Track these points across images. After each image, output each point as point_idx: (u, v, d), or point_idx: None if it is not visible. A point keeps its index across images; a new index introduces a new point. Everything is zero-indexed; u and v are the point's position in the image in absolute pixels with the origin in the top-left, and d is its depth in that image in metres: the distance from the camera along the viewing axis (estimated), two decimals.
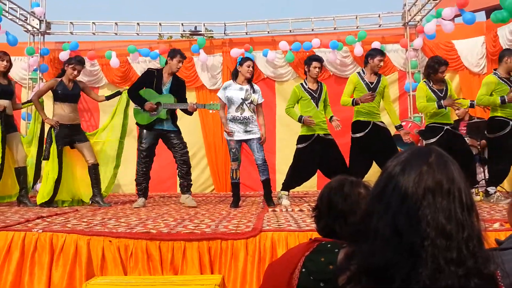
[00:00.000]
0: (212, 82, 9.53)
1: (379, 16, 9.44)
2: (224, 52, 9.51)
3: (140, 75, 9.34)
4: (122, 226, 4.11)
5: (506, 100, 5.70)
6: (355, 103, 5.89)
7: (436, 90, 6.01)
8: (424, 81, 6.15)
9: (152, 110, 5.87)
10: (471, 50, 8.81)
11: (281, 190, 6.12)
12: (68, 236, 3.68)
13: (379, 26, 9.44)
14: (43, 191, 6.14)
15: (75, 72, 6.24)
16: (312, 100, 6.04)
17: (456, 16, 7.93)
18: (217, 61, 9.55)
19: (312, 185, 7.26)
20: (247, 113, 5.77)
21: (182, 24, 9.92)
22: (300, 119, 5.97)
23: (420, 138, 7.61)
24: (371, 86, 6.01)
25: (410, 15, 9.16)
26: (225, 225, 4.11)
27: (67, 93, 6.26)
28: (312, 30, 9.48)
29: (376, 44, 8.96)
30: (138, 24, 9.71)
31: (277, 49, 9.31)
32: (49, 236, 3.69)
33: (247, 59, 6.09)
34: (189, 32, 10.11)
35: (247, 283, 3.52)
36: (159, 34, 10.17)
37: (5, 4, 8.57)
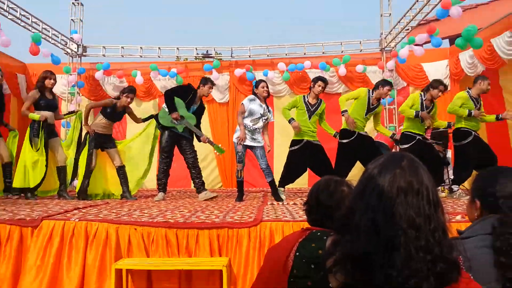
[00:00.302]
0: (220, 97, 9.56)
1: (360, 43, 9.47)
2: (231, 72, 9.54)
3: (159, 90, 9.44)
4: (145, 216, 4.11)
5: (472, 114, 5.75)
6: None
7: (425, 105, 6.01)
8: (420, 94, 6.12)
9: (175, 119, 5.86)
10: (437, 72, 8.82)
11: (278, 187, 6.12)
12: (100, 224, 3.69)
13: (360, 51, 9.45)
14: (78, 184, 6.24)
15: (129, 100, 6.28)
16: (306, 112, 6.03)
17: (425, 42, 7.94)
18: (225, 79, 9.57)
19: (304, 183, 7.26)
20: (258, 126, 5.78)
21: (196, 48, 9.95)
22: (289, 121, 5.99)
23: (394, 144, 7.61)
24: (371, 107, 6.06)
25: (386, 42, 9.18)
26: (231, 216, 4.11)
27: (115, 115, 6.35)
28: (304, 54, 9.49)
29: (359, 68, 9.00)
30: (159, 48, 9.74)
31: (275, 70, 9.34)
32: (84, 224, 3.69)
33: (261, 81, 6.08)
34: (202, 55, 10.10)
35: (250, 265, 3.52)
36: (177, 56, 10.18)
37: (49, 31, 8.60)
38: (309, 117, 6.03)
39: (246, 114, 5.77)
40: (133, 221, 3.75)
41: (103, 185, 6.57)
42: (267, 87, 5.98)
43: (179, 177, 8.43)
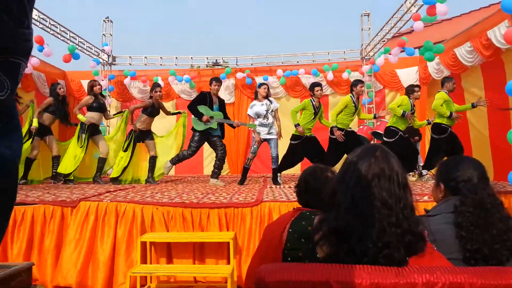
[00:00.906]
0: (227, 98, 9.53)
1: (344, 52, 9.43)
2: (235, 77, 9.52)
3: (177, 92, 9.45)
4: (165, 198, 4.12)
5: (452, 116, 5.78)
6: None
7: (413, 105, 6.04)
8: (408, 96, 6.12)
9: (207, 121, 5.81)
10: (408, 76, 8.78)
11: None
12: (128, 205, 3.70)
13: (344, 59, 9.41)
14: (114, 171, 6.32)
15: (158, 93, 6.29)
16: (313, 114, 6.09)
17: (401, 52, 7.92)
18: (231, 83, 9.56)
19: (297, 169, 7.24)
20: (270, 120, 5.80)
21: (207, 58, 9.92)
22: (296, 125, 6.02)
23: (372, 137, 7.60)
24: (357, 107, 6.10)
25: (366, 51, 9.15)
26: (237, 198, 4.12)
27: (154, 111, 6.38)
28: (297, 62, 9.47)
29: (345, 75, 8.98)
30: (176, 57, 9.71)
31: (273, 75, 9.32)
32: (114, 205, 3.71)
33: (263, 84, 6.10)
34: (212, 63, 10.06)
35: (252, 238, 3.54)
36: (191, 64, 10.15)
37: (84, 44, 8.59)
38: (314, 118, 6.10)
39: (255, 117, 5.81)
40: (155, 202, 3.76)
41: (134, 172, 6.60)
42: (268, 89, 5.95)
43: (193, 165, 8.47)
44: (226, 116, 6.07)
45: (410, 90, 6.12)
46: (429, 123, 6.28)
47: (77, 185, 5.96)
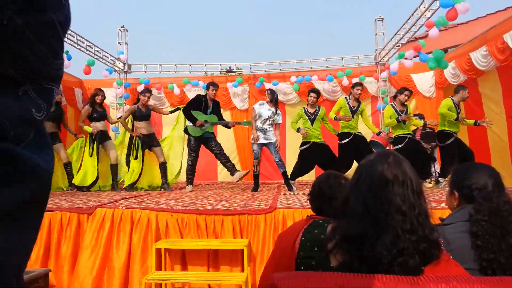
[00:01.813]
0: (241, 105, 9.58)
1: (358, 58, 9.37)
2: (249, 84, 9.54)
3: (190, 98, 9.50)
4: (179, 204, 4.15)
5: (459, 119, 5.72)
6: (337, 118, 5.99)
7: (399, 110, 6.02)
8: (391, 104, 6.15)
9: (201, 126, 5.89)
10: (424, 81, 8.71)
11: (290, 179, 6.11)
12: (143, 211, 3.73)
13: (358, 65, 9.36)
14: (128, 178, 6.40)
15: (146, 98, 6.34)
16: (308, 120, 6.11)
17: (414, 56, 7.85)
18: (245, 90, 9.58)
19: (312, 175, 7.19)
20: (266, 126, 5.80)
21: (220, 65, 9.98)
22: (297, 130, 6.09)
23: (388, 143, 7.53)
24: (353, 110, 6.06)
25: (380, 57, 9.09)
26: (251, 204, 4.12)
27: (143, 115, 6.40)
28: (311, 68, 9.44)
29: (356, 79, 8.92)
30: (190, 65, 9.80)
31: (286, 81, 9.32)
32: (130, 211, 3.74)
33: (267, 89, 6.18)
34: (225, 70, 10.13)
35: (266, 245, 3.52)
36: (205, 72, 10.23)
37: (100, 53, 8.74)
38: (312, 123, 6.10)
39: (256, 117, 5.82)
40: (170, 209, 3.79)
41: (149, 179, 6.69)
42: (270, 93, 5.94)
43: (206, 171, 8.50)
44: (220, 118, 6.13)
45: (396, 94, 6.22)
46: (425, 125, 6.28)
47: (93, 192, 6.05)
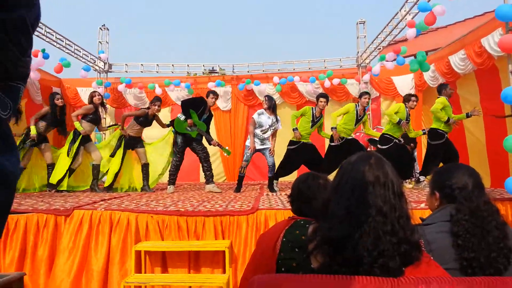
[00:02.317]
0: (224, 105, 9.54)
1: (340, 60, 9.45)
2: (232, 85, 9.51)
3: (173, 99, 9.41)
4: (160, 206, 4.09)
5: (450, 122, 5.75)
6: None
7: (408, 114, 6.06)
8: (405, 104, 6.14)
9: (190, 125, 5.84)
10: (404, 84, 8.82)
11: (273, 179, 6.10)
12: (122, 213, 3.67)
13: (340, 67, 9.44)
14: (107, 179, 6.33)
15: (156, 107, 6.29)
16: (311, 122, 6.08)
17: (394, 59, 7.94)
18: (228, 91, 9.54)
19: (294, 176, 7.21)
20: (267, 135, 5.82)
21: (203, 65, 9.94)
22: (293, 129, 6.04)
23: (369, 144, 7.61)
24: (359, 118, 6.13)
25: (361, 59, 9.18)
26: (233, 205, 4.09)
27: (146, 122, 6.36)
28: (294, 69, 9.47)
29: (337, 80, 8.99)
30: (172, 65, 9.71)
31: (269, 82, 9.32)
32: (109, 213, 3.67)
33: (265, 96, 6.18)
34: (208, 71, 10.08)
35: (248, 246, 3.50)
36: (187, 72, 10.15)
37: (80, 51, 8.58)
38: (311, 126, 6.09)
39: (256, 126, 5.81)
40: (150, 210, 3.73)
41: (129, 179, 6.59)
42: (268, 100, 5.94)
43: (189, 172, 8.43)
44: (208, 131, 6.11)
45: (406, 99, 6.16)
46: (424, 133, 6.30)
47: (72, 193, 5.91)
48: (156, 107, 6.28)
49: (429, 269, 1.06)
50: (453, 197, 1.44)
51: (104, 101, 9.12)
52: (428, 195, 1.60)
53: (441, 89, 6.01)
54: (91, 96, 6.40)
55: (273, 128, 5.86)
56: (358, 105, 6.15)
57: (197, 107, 5.95)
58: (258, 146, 5.81)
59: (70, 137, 6.31)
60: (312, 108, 6.17)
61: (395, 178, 1.09)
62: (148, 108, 6.36)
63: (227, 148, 6.21)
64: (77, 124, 6.18)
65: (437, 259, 1.17)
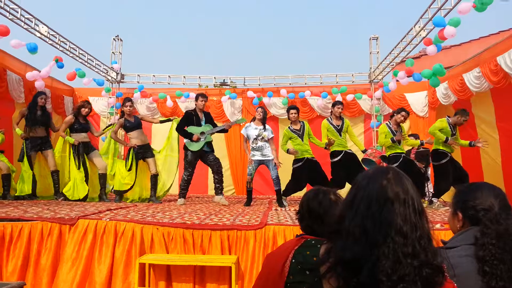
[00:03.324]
0: (234, 118, 9.51)
1: (352, 75, 9.40)
2: (243, 98, 9.48)
3: (182, 110, 9.41)
4: (166, 217, 4.02)
5: (448, 141, 5.67)
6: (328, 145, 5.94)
7: (393, 130, 6.04)
8: (386, 123, 6.12)
9: (198, 139, 5.80)
10: (417, 101, 8.74)
11: (282, 195, 6.01)
12: (127, 224, 3.60)
13: (352, 82, 9.38)
14: (117, 185, 6.32)
15: (127, 108, 6.25)
16: (298, 137, 5.99)
17: (408, 76, 7.86)
18: (239, 103, 9.52)
19: (303, 192, 7.11)
20: (260, 144, 5.82)
21: (214, 78, 9.93)
22: (287, 151, 5.93)
23: (381, 162, 7.46)
24: (338, 128, 6.04)
25: (374, 75, 9.11)
26: (240, 220, 4.00)
27: (132, 125, 6.31)
28: (305, 83, 9.43)
29: (350, 96, 8.91)
30: (184, 76, 9.73)
31: (280, 96, 9.27)
32: (114, 223, 3.61)
33: (258, 107, 6.19)
34: (219, 83, 10.07)
35: (255, 262, 3.41)
36: (198, 84, 10.16)
37: (93, 61, 8.65)
38: (302, 139, 6.00)
39: (247, 140, 5.96)
40: (156, 222, 3.66)
41: (139, 191, 6.53)
42: (262, 111, 5.99)
43: (197, 185, 8.35)
44: (215, 125, 6.11)
45: (393, 114, 6.21)
46: (421, 144, 6.31)
47: (78, 202, 5.87)
48: (128, 107, 6.25)
49: None
50: (477, 219, 1.34)
51: (115, 110, 9.23)
52: (450, 216, 1.50)
53: (457, 114, 5.88)
54: (79, 106, 6.44)
55: (261, 137, 5.83)
56: (331, 118, 6.15)
57: (189, 122, 5.96)
58: (259, 157, 5.80)
59: (71, 150, 6.32)
60: (289, 127, 6.11)
61: (415, 195, 1.01)
62: (122, 113, 6.35)
63: (239, 118, 6.12)
64: (68, 139, 6.23)
65: (462, 286, 1.08)
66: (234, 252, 3.46)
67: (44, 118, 6.33)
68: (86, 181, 6.24)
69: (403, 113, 6.06)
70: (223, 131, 6.11)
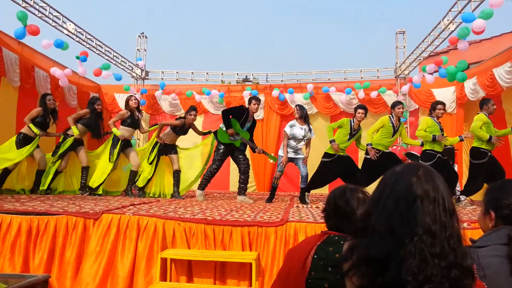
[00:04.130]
0: (256, 114, 9.46)
1: (377, 70, 9.23)
2: (266, 94, 9.44)
3: (206, 107, 9.45)
4: (188, 213, 4.03)
5: (492, 141, 5.39)
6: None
7: (439, 123, 5.72)
8: (432, 117, 5.76)
9: (231, 135, 5.79)
10: (445, 96, 8.46)
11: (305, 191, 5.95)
12: (150, 219, 3.63)
13: (377, 77, 9.20)
14: (140, 180, 6.38)
15: (192, 116, 6.35)
16: (348, 135, 5.89)
17: (435, 71, 7.66)
18: (261, 100, 9.48)
19: (326, 189, 7.02)
20: (300, 145, 5.79)
21: (237, 74, 9.93)
22: (331, 141, 5.81)
23: (407, 159, 7.29)
24: (396, 129, 5.88)
25: (400, 70, 8.92)
26: (261, 216, 3.98)
27: (182, 131, 6.43)
28: (329, 79, 9.31)
29: (374, 92, 8.75)
30: (207, 73, 9.78)
31: (303, 92, 9.19)
32: (137, 218, 3.64)
33: (296, 105, 6.10)
34: (242, 80, 10.07)
35: (276, 259, 3.38)
36: (221, 80, 10.19)
37: (118, 58, 8.78)
38: (349, 139, 5.90)
39: (290, 138, 5.77)
40: (178, 217, 3.67)
41: (160, 186, 6.60)
42: (299, 109, 5.88)
43: (219, 181, 8.38)
44: (251, 139, 6.03)
45: (432, 108, 5.82)
46: (461, 140, 5.91)
47: (103, 197, 5.98)
48: (192, 116, 6.33)
49: None
50: (511, 218, 1.27)
51: (140, 106, 9.35)
52: (481, 215, 1.43)
53: (482, 104, 5.63)
54: (127, 100, 6.52)
55: (307, 138, 5.78)
56: (393, 117, 5.88)
57: (238, 115, 5.90)
58: (291, 155, 5.75)
59: (110, 142, 6.43)
60: (350, 120, 5.97)
61: (446, 193, 0.96)
62: (185, 117, 6.40)
63: (272, 154, 6.14)
64: (115, 130, 6.30)
65: (492, 286, 1.02)
66: (254, 248, 3.44)
67: (100, 124, 6.55)
68: None
69: (440, 105, 5.74)
70: (252, 149, 6.03)
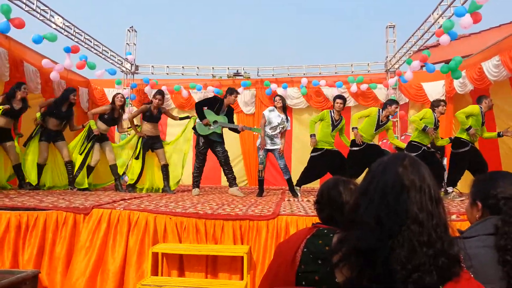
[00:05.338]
0: (247, 109, 9.49)
1: (368, 64, 9.26)
2: (257, 88, 9.44)
3: (196, 100, 9.39)
4: (179, 207, 4.02)
5: (470, 131, 5.50)
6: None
7: (437, 121, 5.79)
8: (433, 110, 5.84)
9: (207, 125, 5.80)
10: (434, 90, 8.55)
11: (295, 186, 5.99)
12: (141, 213, 3.61)
13: (368, 71, 9.23)
14: (130, 178, 6.40)
15: (157, 100, 6.24)
16: (331, 126, 5.94)
17: (422, 66, 7.70)
18: (252, 94, 9.49)
19: (317, 183, 7.05)
20: (275, 132, 5.76)
21: (228, 68, 9.89)
22: (311, 135, 5.89)
23: (397, 152, 7.34)
24: (380, 124, 5.94)
25: (390, 64, 8.96)
26: (253, 210, 3.98)
27: (153, 117, 6.33)
28: (320, 73, 9.32)
29: (365, 85, 8.79)
30: (197, 67, 9.73)
31: (294, 86, 9.21)
32: (127, 213, 3.63)
33: (276, 95, 6.13)
34: (233, 74, 10.02)
35: (267, 253, 3.39)
36: (212, 74, 10.13)
37: (107, 52, 8.68)
38: (332, 130, 5.94)
39: (266, 123, 5.73)
40: (169, 212, 3.67)
41: (151, 180, 6.60)
42: (281, 99, 5.88)
43: (210, 175, 8.37)
44: (231, 122, 6.06)
45: (435, 104, 5.88)
46: (451, 141, 5.98)
47: (94, 192, 5.95)
48: (157, 100, 6.23)
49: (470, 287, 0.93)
50: (498, 208, 1.29)
51: (130, 101, 9.28)
52: (468, 206, 1.44)
53: (481, 99, 5.72)
54: (113, 97, 6.50)
55: (282, 126, 5.78)
56: (381, 111, 5.93)
57: (211, 105, 5.93)
58: (269, 146, 5.76)
59: (84, 133, 6.38)
60: (330, 111, 6.03)
61: (432, 182, 0.97)
62: (150, 102, 6.34)
63: (255, 127, 6.13)
64: (92, 122, 6.26)
65: (479, 277, 1.03)
66: (246, 242, 3.45)
67: (68, 114, 6.43)
68: (89, 168, 6.39)
69: (442, 103, 5.84)
70: (235, 130, 6.08)
